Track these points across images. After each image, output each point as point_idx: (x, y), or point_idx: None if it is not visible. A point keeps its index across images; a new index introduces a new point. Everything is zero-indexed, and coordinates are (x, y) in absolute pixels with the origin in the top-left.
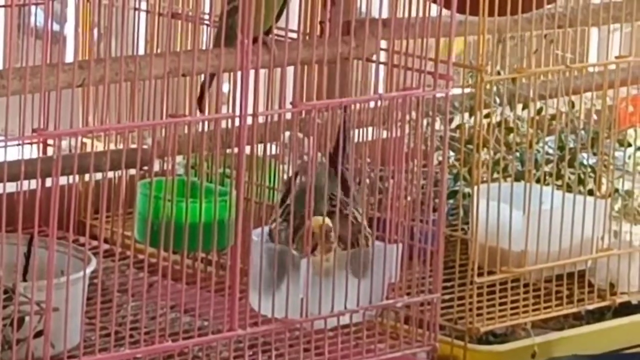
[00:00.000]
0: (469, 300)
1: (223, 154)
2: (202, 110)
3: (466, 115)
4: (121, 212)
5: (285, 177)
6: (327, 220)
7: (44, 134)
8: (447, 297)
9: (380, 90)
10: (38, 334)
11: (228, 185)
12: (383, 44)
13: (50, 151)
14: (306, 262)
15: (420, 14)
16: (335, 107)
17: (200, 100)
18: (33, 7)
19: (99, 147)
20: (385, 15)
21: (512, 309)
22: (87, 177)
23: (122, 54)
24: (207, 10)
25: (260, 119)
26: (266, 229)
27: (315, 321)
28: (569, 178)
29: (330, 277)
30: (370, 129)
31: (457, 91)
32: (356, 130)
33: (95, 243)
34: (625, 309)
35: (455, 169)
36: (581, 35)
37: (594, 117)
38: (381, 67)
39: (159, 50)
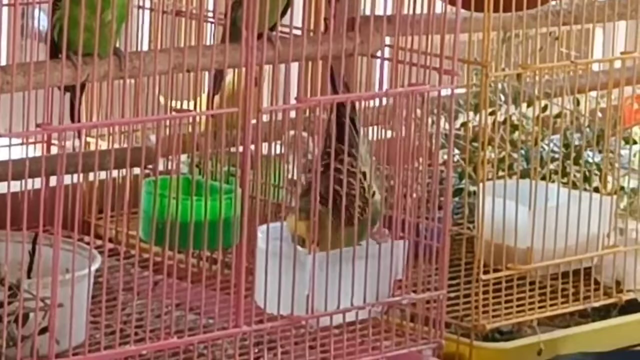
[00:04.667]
0: (475, 298)
1: (228, 151)
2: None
3: (471, 113)
4: (126, 211)
5: (289, 175)
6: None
7: (48, 128)
8: (452, 294)
9: (385, 86)
10: (43, 331)
11: (233, 183)
12: (388, 40)
13: (54, 150)
14: (312, 259)
15: (425, 11)
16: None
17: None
18: (36, 11)
19: (103, 146)
20: (389, 11)
21: (518, 306)
22: (91, 176)
23: (126, 51)
24: (210, 7)
25: (265, 116)
26: None
27: (320, 318)
28: (575, 176)
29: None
30: (375, 127)
31: (462, 90)
32: (362, 129)
33: (99, 242)
34: (632, 307)
35: (460, 167)
36: (586, 33)
37: (599, 114)
38: (386, 63)
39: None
